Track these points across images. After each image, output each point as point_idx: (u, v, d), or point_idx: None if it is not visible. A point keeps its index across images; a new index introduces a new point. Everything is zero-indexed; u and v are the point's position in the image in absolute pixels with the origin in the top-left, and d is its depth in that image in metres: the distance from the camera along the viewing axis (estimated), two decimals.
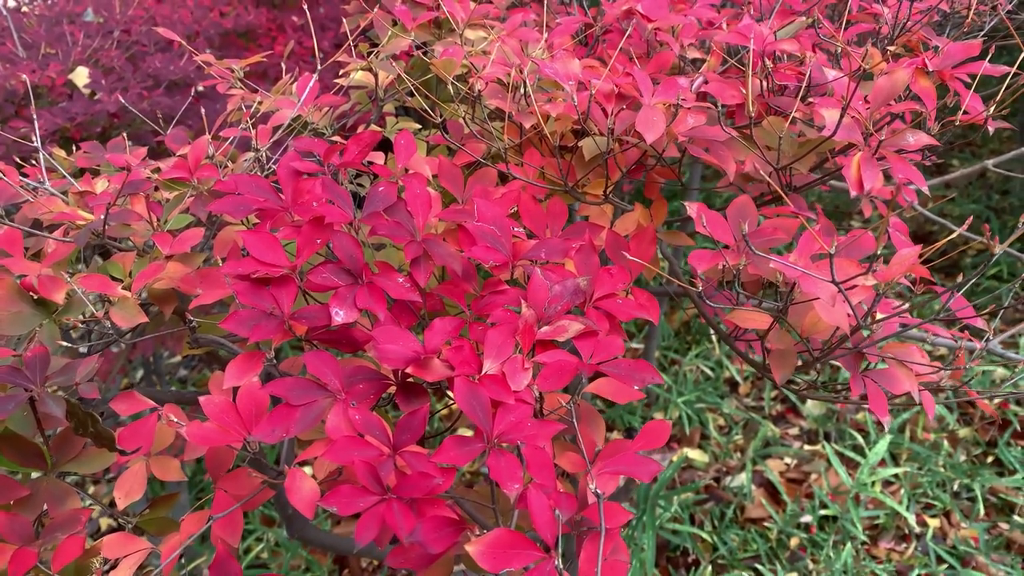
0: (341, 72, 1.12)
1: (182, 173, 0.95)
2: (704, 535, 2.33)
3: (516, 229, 0.91)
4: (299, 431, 0.70)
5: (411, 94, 1.12)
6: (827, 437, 2.70)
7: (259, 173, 1.00)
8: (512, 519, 0.75)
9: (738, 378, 2.93)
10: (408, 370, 0.75)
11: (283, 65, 1.18)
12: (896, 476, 2.42)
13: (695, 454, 2.67)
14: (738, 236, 0.85)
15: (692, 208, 0.86)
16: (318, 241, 0.85)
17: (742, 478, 2.55)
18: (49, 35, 2.06)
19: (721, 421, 2.80)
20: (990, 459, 2.52)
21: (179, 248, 0.88)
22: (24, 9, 2.36)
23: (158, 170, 0.98)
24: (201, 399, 0.75)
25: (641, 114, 0.85)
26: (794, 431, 2.76)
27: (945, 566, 2.23)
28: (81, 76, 1.93)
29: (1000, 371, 2.78)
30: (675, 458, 2.45)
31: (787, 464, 2.64)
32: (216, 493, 0.87)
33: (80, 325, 0.88)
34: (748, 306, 0.88)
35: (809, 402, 2.81)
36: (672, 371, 2.92)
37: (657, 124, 0.83)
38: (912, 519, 2.23)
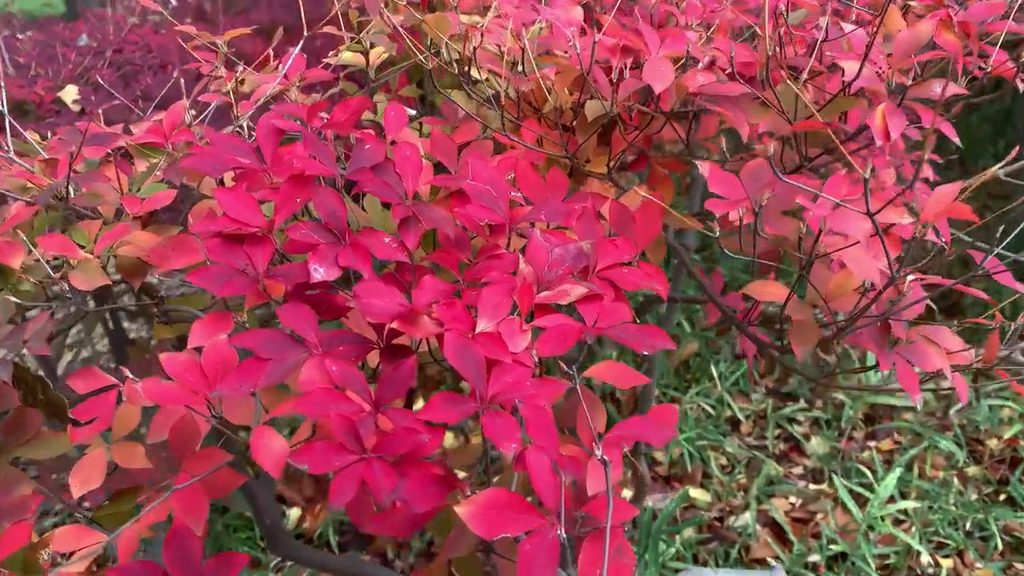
0: (331, 52, 1.06)
1: (156, 138, 0.87)
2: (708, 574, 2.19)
3: (514, 194, 0.83)
4: (268, 384, 0.62)
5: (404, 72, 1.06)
6: (830, 477, 2.58)
7: None
8: (511, 486, 0.65)
9: (740, 416, 2.82)
10: (394, 325, 0.66)
11: (271, 52, 1.12)
12: (906, 513, 2.30)
13: (697, 493, 2.55)
14: (755, 193, 0.77)
15: (704, 167, 0.79)
16: (298, 200, 0.77)
17: (746, 517, 2.42)
18: (40, 56, 2.03)
19: (724, 460, 2.69)
20: (1002, 497, 2.40)
21: (149, 207, 0.80)
22: (20, 36, 2.34)
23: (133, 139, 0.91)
24: (162, 356, 0.66)
25: (648, 65, 0.78)
26: (798, 470, 2.64)
27: None
28: (70, 93, 1.88)
29: (1006, 411, 2.69)
30: (676, 496, 2.33)
31: (792, 503, 2.52)
32: (180, 476, 0.77)
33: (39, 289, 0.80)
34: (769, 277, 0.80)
35: (814, 440, 2.70)
36: None
37: (665, 74, 0.77)
38: (926, 554, 2.10)
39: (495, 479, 0.69)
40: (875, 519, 2.10)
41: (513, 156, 0.87)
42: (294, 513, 2.78)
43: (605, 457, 0.64)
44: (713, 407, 2.82)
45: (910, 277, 0.72)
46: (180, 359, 0.66)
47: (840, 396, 2.76)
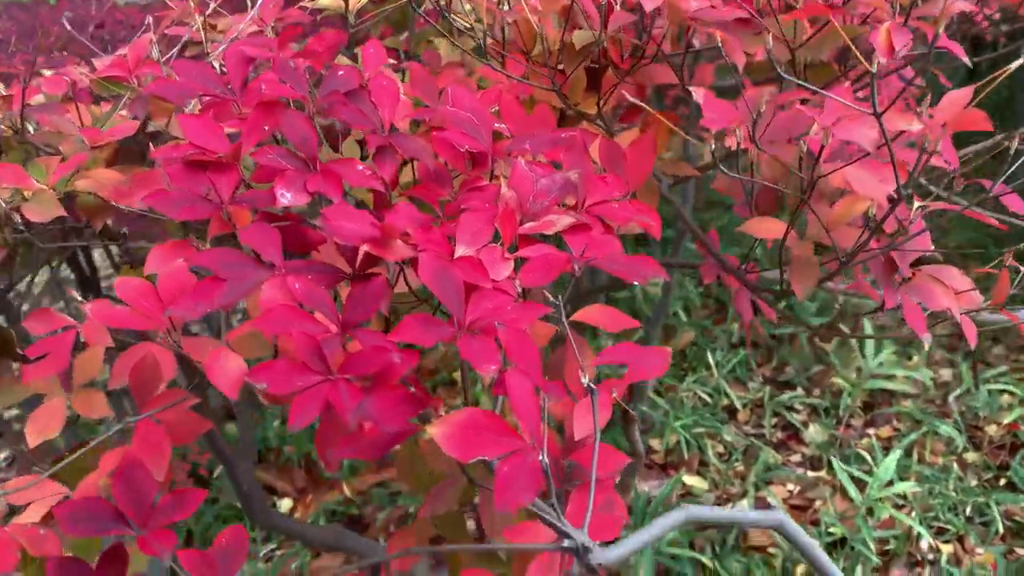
0: None
1: (120, 72, 0.82)
2: (705, 560, 2.14)
3: (497, 125, 0.78)
4: (225, 303, 0.56)
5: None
6: (832, 464, 2.53)
7: None
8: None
9: (737, 405, 2.77)
10: (365, 248, 0.61)
11: None
12: (905, 497, 2.25)
13: (694, 481, 2.50)
14: (751, 117, 0.72)
15: (698, 93, 0.74)
16: (267, 127, 0.72)
17: (743, 504, 2.37)
18: (21, 32, 1.98)
19: (721, 448, 2.64)
20: (1003, 482, 2.35)
21: (110, 138, 0.75)
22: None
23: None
24: (115, 280, 0.61)
25: None
26: (796, 458, 2.59)
27: None
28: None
29: (1006, 397, 2.64)
30: (672, 480, 2.28)
31: (790, 491, 2.47)
32: (139, 424, 0.72)
33: None
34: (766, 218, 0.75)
35: (812, 427, 2.65)
36: (668, 397, 2.77)
37: None
38: (927, 538, 2.05)
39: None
40: (875, 501, 2.05)
41: (497, 89, 0.82)
42: (285, 503, 2.72)
43: (592, 385, 0.59)
44: (710, 395, 2.77)
45: (916, 204, 0.68)
46: (133, 283, 0.61)
47: (839, 383, 2.71)
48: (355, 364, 0.53)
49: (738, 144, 0.69)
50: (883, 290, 0.74)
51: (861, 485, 2.34)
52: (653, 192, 0.92)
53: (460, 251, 0.63)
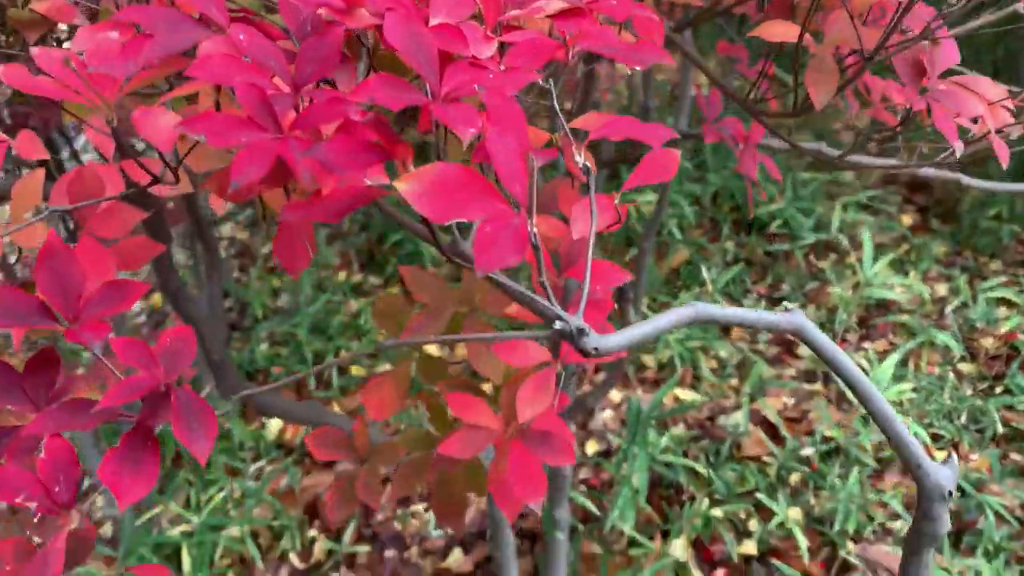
0: None
1: None
2: (700, 468, 2.10)
3: None
4: (155, 56, 0.48)
5: None
6: (826, 377, 2.48)
7: None
8: None
9: None
10: (321, 13, 0.52)
11: None
12: (901, 404, 2.20)
13: (687, 395, 2.45)
14: None
15: None
16: None
17: (737, 416, 2.32)
18: None
19: (714, 363, 2.58)
20: (998, 390, 2.31)
21: None
22: None
23: None
24: (34, 50, 0.52)
25: None
26: (791, 372, 2.54)
27: (958, 494, 2.01)
28: None
29: (1003, 310, 2.58)
30: (665, 385, 2.22)
31: (784, 403, 2.42)
32: (80, 241, 0.64)
33: None
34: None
35: None
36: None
37: None
38: (925, 435, 2.01)
39: None
40: None
41: None
42: (274, 424, 2.67)
43: (587, 162, 0.50)
44: None
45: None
46: (55, 54, 0.52)
47: (835, 298, 2.64)
48: (308, 118, 0.44)
49: None
50: (911, 94, 0.66)
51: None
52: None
53: (436, 20, 0.54)
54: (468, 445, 0.66)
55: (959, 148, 0.65)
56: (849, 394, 2.07)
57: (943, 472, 0.53)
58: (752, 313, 0.52)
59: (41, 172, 0.71)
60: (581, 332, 0.45)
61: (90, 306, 0.47)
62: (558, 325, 0.45)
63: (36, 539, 0.57)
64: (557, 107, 0.54)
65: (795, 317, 0.53)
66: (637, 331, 0.47)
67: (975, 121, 0.72)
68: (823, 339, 0.53)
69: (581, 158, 0.50)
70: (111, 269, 0.60)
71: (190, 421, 0.44)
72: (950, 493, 0.53)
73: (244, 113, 0.45)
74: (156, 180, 0.55)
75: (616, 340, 0.46)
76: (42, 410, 0.47)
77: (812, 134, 3.14)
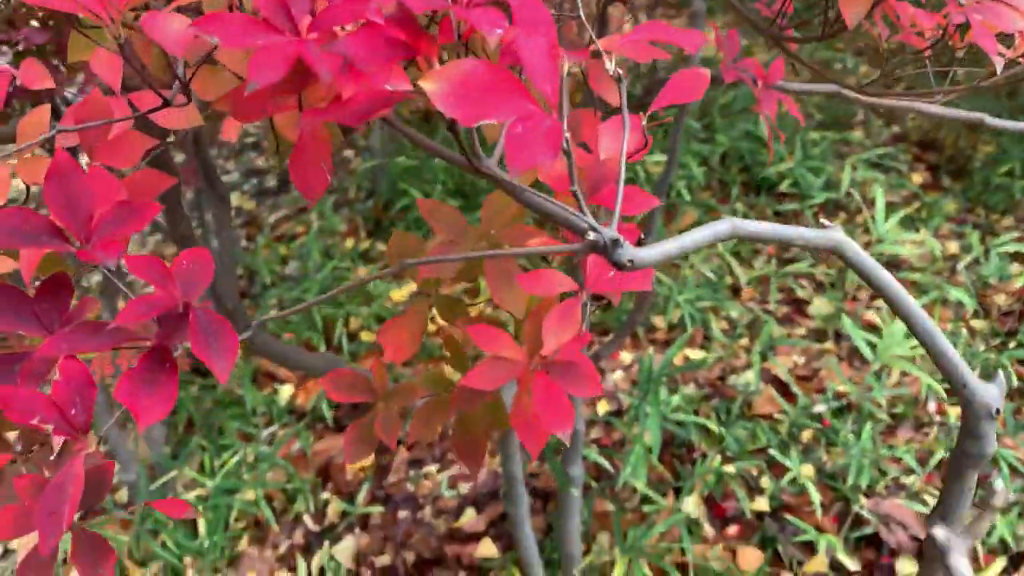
0: None
1: None
2: (712, 426, 2.08)
3: None
4: None
5: None
6: (837, 336, 2.46)
7: None
8: None
9: (741, 282, 2.68)
10: None
11: None
12: (913, 360, 2.18)
13: (698, 355, 2.43)
14: None
15: None
16: None
17: (748, 375, 2.31)
18: None
19: (725, 324, 2.56)
20: (1012, 345, 2.28)
21: None
22: None
23: None
24: None
25: None
26: (801, 331, 2.52)
27: None
28: None
29: (1015, 266, 2.55)
30: (677, 343, 2.20)
31: (795, 362, 2.40)
32: (90, 168, 0.61)
33: None
34: None
35: (816, 301, 2.57)
36: (672, 274, 2.68)
37: None
38: (941, 391, 1.99)
39: None
40: (889, 358, 1.97)
41: None
42: (286, 390, 2.66)
43: (619, 71, 0.48)
44: (714, 271, 2.68)
45: None
46: None
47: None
48: (326, 19, 0.42)
49: None
50: (950, 4, 0.63)
51: (865, 361, 2.28)
52: None
53: None
54: (491, 377, 0.64)
55: (999, 64, 0.62)
56: (863, 350, 2.05)
57: (990, 390, 0.51)
58: (789, 229, 0.49)
59: (47, 107, 0.69)
60: (615, 243, 0.43)
61: (102, 226, 0.45)
62: (592, 236, 0.43)
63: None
64: (583, 15, 0.51)
65: (833, 233, 0.50)
66: (672, 244, 0.45)
67: (1009, 47, 0.69)
68: (863, 256, 0.50)
69: (612, 64, 0.48)
70: (122, 198, 0.57)
71: (210, 340, 0.42)
72: (997, 411, 0.51)
73: (260, 15, 0.42)
74: (166, 103, 0.52)
75: (651, 253, 0.44)
76: (51, 336, 0.45)
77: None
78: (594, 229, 0.42)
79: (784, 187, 2.88)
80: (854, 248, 0.51)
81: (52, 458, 0.58)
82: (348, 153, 3.90)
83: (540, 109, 0.41)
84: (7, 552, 2.43)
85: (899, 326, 2.06)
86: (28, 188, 0.73)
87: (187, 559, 2.14)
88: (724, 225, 0.48)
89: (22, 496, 0.55)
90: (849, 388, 2.03)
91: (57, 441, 0.63)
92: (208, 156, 1.16)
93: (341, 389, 0.78)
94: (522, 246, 0.71)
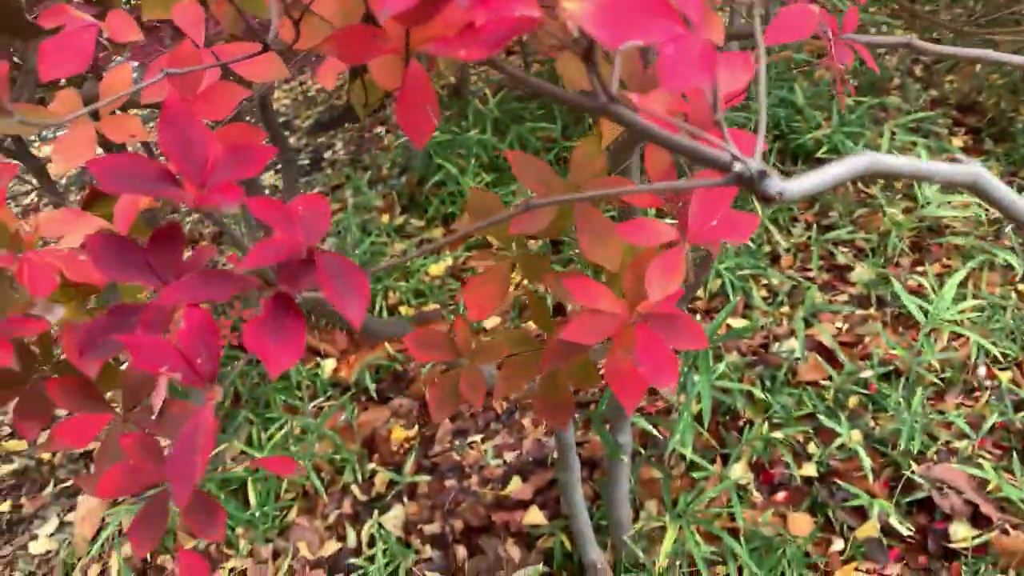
0: None
1: None
2: (757, 392, 2.05)
3: None
4: None
5: None
6: (880, 302, 2.41)
7: None
8: None
9: (781, 249, 2.64)
10: None
11: None
12: (962, 323, 2.13)
13: (740, 323, 2.39)
14: None
15: None
16: None
17: (792, 343, 2.27)
18: None
19: (765, 292, 2.52)
20: None
21: None
22: None
23: None
24: None
25: None
26: (843, 298, 2.47)
27: (1022, 414, 1.95)
28: None
29: None
30: (723, 312, 2.16)
31: (839, 328, 2.36)
32: (168, 99, 0.59)
33: None
34: None
35: (859, 267, 2.52)
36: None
37: None
38: (995, 349, 1.94)
39: None
40: (939, 322, 1.93)
41: None
42: (328, 364, 2.66)
43: None
44: (752, 239, 2.63)
45: None
46: None
47: (887, 223, 2.56)
48: None
49: None
50: None
51: (911, 325, 2.23)
52: None
53: None
54: (591, 330, 0.62)
55: None
56: (915, 313, 2.00)
57: None
58: (927, 164, 0.46)
59: (128, 65, 0.67)
60: (763, 175, 0.40)
61: (217, 170, 0.43)
62: (738, 168, 0.40)
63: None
64: None
65: (972, 168, 0.47)
66: (816, 178, 0.42)
67: None
68: (1003, 189, 0.47)
69: None
70: (203, 128, 0.55)
71: (339, 283, 0.40)
72: None
73: None
74: (266, 47, 0.50)
75: (799, 186, 0.41)
76: (170, 284, 0.43)
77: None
78: (740, 160, 0.40)
79: (822, 153, 2.82)
80: (991, 181, 0.48)
81: (153, 417, 0.57)
82: (379, 129, 3.88)
83: (688, 30, 0.39)
84: (63, 525, 2.46)
85: (948, 292, 2.01)
86: (111, 147, 0.71)
87: (239, 529, 2.16)
88: (863, 160, 0.45)
89: (129, 454, 0.53)
90: (901, 352, 1.99)
91: (157, 401, 0.62)
92: (274, 117, 1.14)
93: (425, 347, 0.76)
94: (615, 199, 0.68)
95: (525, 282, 2.44)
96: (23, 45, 0.63)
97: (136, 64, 1.13)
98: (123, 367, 0.66)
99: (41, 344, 0.63)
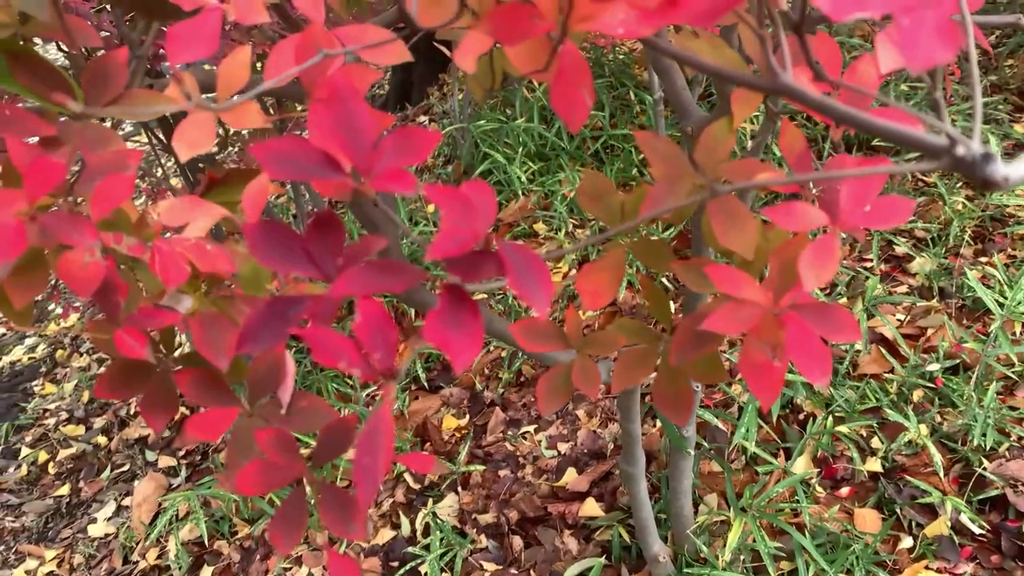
0: None
1: None
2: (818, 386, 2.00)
3: None
4: None
5: None
6: (942, 293, 2.35)
7: None
8: None
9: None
10: None
11: None
12: None
13: None
14: None
15: None
16: None
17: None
18: None
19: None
20: None
21: None
22: None
23: None
24: None
25: None
26: (902, 289, 2.41)
27: None
28: None
29: None
30: None
31: (900, 320, 2.30)
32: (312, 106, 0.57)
33: None
34: None
35: (918, 258, 2.45)
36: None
37: None
38: None
39: None
40: (1016, 313, 1.86)
41: None
42: None
43: None
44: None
45: None
46: None
47: (948, 212, 2.49)
48: None
49: None
50: None
51: (977, 313, 2.17)
52: None
53: None
54: (735, 321, 0.58)
55: None
56: (990, 305, 1.94)
57: None
58: None
59: (247, 48, 0.64)
60: (988, 158, 0.36)
61: (384, 155, 0.40)
62: (960, 151, 0.36)
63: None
64: None
65: None
66: None
67: None
68: None
69: None
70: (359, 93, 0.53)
71: (523, 275, 0.37)
72: None
73: None
74: (400, 31, 0.47)
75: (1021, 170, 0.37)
76: (341, 274, 0.41)
77: None
78: (962, 143, 0.36)
79: (877, 142, 2.75)
80: None
81: (283, 411, 0.55)
82: (423, 119, 3.86)
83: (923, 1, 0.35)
84: (120, 509, 2.48)
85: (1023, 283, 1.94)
86: (227, 132, 0.69)
87: None
88: None
89: (265, 450, 0.51)
90: (974, 345, 1.93)
91: (285, 395, 0.59)
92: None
93: (533, 337, 0.73)
94: (749, 179, 0.65)
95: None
96: (159, 27, 0.62)
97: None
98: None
99: (164, 335, 0.61)
